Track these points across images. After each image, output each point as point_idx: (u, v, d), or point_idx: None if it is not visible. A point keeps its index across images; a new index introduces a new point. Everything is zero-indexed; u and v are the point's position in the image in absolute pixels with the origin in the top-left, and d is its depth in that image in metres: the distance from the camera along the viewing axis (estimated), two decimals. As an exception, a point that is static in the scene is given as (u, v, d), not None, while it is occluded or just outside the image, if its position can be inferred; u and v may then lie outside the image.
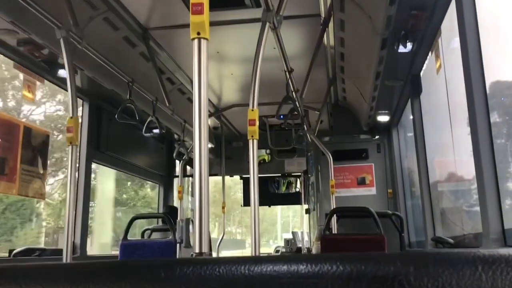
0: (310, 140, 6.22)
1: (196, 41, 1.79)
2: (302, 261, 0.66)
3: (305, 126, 5.82)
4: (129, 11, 4.38)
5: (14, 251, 4.43)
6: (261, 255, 2.04)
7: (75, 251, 4.92)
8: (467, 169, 3.43)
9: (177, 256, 4.81)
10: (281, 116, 5.29)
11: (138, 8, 4.40)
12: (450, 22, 3.51)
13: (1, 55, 4.28)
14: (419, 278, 0.63)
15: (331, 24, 4.41)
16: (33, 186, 4.36)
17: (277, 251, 10.13)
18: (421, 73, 4.80)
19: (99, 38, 4.20)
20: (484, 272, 0.63)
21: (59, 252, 3.71)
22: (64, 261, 3.16)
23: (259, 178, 2.89)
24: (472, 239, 3.58)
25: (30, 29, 3.68)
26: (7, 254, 4.49)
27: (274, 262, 0.67)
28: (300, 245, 8.57)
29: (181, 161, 6.88)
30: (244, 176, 8.82)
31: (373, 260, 0.65)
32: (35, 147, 4.46)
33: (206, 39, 1.80)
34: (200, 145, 1.76)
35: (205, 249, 1.69)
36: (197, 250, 1.69)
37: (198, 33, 1.79)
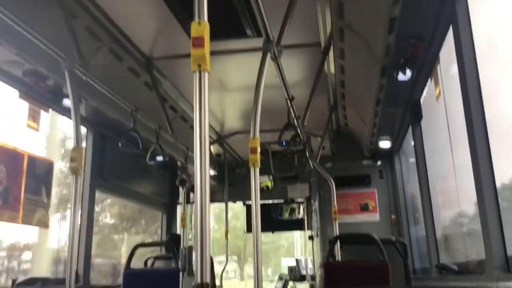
0: (312, 166, 6.23)
1: (197, 73, 1.83)
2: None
3: (307, 153, 5.84)
4: (133, 42, 4.46)
5: (18, 281, 4.42)
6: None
7: (78, 280, 4.90)
8: (469, 195, 3.43)
9: (180, 285, 4.77)
10: (283, 143, 5.31)
11: (142, 39, 4.48)
12: (448, 50, 3.56)
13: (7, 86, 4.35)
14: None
15: (331, 53, 4.47)
16: (37, 215, 4.37)
17: (280, 278, 10.02)
18: (421, 100, 4.84)
19: (103, 68, 4.27)
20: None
21: (61, 281, 3.70)
22: None
23: (262, 204, 2.91)
24: (476, 266, 3.56)
25: (35, 61, 3.74)
26: (10, 284, 4.47)
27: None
28: (304, 273, 8.49)
29: (184, 188, 6.90)
30: (247, 202, 8.81)
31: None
32: (39, 176, 4.49)
33: (207, 71, 1.84)
34: (202, 172, 1.77)
35: (206, 279, 1.67)
36: (198, 280, 1.67)
37: (199, 66, 1.83)
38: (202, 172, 1.78)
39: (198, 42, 1.80)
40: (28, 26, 3.18)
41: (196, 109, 1.83)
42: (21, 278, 4.47)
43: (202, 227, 1.72)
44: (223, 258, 9.74)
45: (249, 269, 28.05)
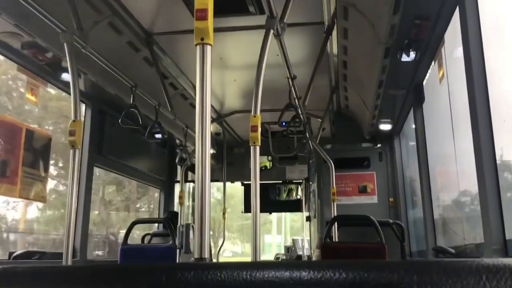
0: (311, 147, 6.21)
1: (199, 46, 1.79)
2: (304, 267, 0.66)
3: (307, 134, 5.82)
4: (133, 16, 4.40)
5: (14, 254, 4.42)
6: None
7: (75, 255, 4.91)
8: (469, 179, 3.42)
9: (177, 262, 4.79)
10: (283, 123, 5.28)
11: (142, 13, 4.41)
12: (453, 31, 3.51)
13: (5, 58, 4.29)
14: (423, 286, 0.62)
15: (334, 32, 4.42)
16: (34, 189, 4.36)
17: (277, 258, 10.08)
18: (424, 82, 4.80)
19: (103, 42, 4.21)
20: (488, 282, 0.62)
21: (59, 256, 3.70)
22: (63, 264, 3.15)
23: (260, 184, 2.89)
24: (474, 249, 3.57)
25: (34, 33, 3.69)
26: (6, 257, 4.48)
27: (276, 268, 0.66)
28: (301, 253, 8.53)
29: (183, 167, 6.88)
30: (245, 182, 8.81)
31: (376, 268, 0.65)
32: (37, 150, 4.46)
33: (210, 44, 1.80)
34: (202, 151, 1.75)
35: (205, 255, 1.68)
36: (197, 256, 1.68)
37: (202, 39, 1.79)
38: (203, 150, 1.75)
39: (201, 15, 1.76)
40: None
41: (198, 84, 1.80)
42: (17, 251, 4.48)
43: (202, 205, 1.72)
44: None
45: (238, 248, 28.19)
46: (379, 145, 7.14)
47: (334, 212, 5.86)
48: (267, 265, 0.67)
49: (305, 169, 8.29)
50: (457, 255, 3.97)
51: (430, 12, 3.66)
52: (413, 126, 5.27)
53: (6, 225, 7.79)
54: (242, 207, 9.14)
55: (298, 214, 9.73)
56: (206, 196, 1.73)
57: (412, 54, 3.93)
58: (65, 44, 3.40)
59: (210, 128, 1.81)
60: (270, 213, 10.07)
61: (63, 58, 3.92)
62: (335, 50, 4.85)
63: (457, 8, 3.24)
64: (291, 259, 8.68)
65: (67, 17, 3.52)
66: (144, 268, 0.70)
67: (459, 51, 3.26)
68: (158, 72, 5.07)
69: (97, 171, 6.39)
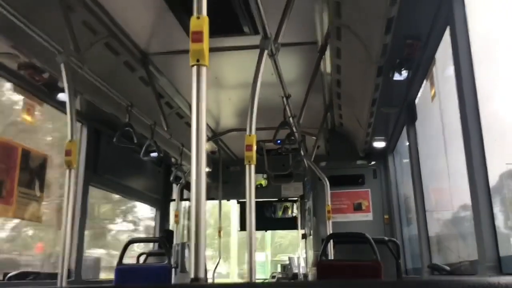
0: (306, 165, 6.24)
1: (195, 68, 1.83)
2: (300, 287, 0.68)
3: (302, 151, 5.84)
4: (129, 36, 4.45)
5: (9, 275, 4.39)
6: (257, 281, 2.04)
7: (70, 275, 4.88)
8: (463, 196, 3.45)
9: (173, 282, 4.77)
10: (278, 141, 5.31)
11: (138, 34, 4.46)
12: (444, 51, 3.58)
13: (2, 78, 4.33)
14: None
15: (327, 52, 4.48)
16: (30, 209, 4.35)
17: (273, 277, 10.03)
18: (416, 101, 4.85)
19: (99, 62, 4.25)
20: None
21: (53, 276, 3.69)
22: (58, 285, 3.13)
23: (256, 202, 2.91)
24: (468, 266, 3.58)
25: (31, 54, 3.72)
26: (1, 277, 4.45)
27: None
28: (297, 271, 8.50)
29: (178, 185, 6.88)
30: (241, 200, 8.81)
31: (372, 287, 0.67)
32: (33, 170, 4.46)
33: (206, 66, 1.83)
34: (198, 169, 1.77)
35: (201, 275, 1.69)
36: (193, 276, 1.68)
37: (198, 61, 1.82)
38: (199, 168, 1.77)
39: (197, 37, 1.80)
40: (24, 18, 3.16)
41: (193, 104, 1.82)
42: (12, 272, 4.45)
43: (197, 223, 1.73)
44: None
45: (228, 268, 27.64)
46: (373, 163, 7.18)
47: (330, 230, 5.86)
48: (264, 286, 0.69)
49: (300, 187, 8.31)
50: (452, 272, 3.98)
51: (421, 32, 3.73)
52: (407, 143, 5.31)
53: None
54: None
55: (287, 231, 9.70)
56: (201, 214, 1.75)
57: (404, 73, 3.98)
58: (61, 65, 3.44)
59: (205, 147, 1.83)
60: (266, 231, 10.05)
61: (60, 78, 3.95)
62: (328, 69, 4.90)
63: (448, 28, 3.31)
64: (287, 277, 8.65)
65: (64, 38, 3.56)
66: None
67: (450, 69, 3.32)
68: (154, 92, 5.11)
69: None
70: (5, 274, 4.42)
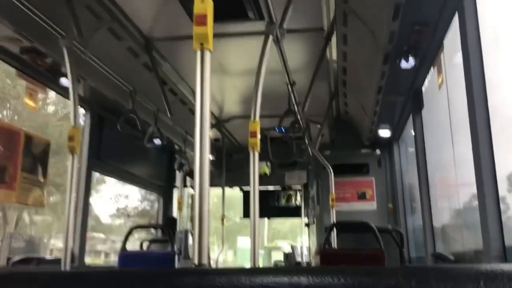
0: (311, 153, 6.21)
1: (199, 52, 1.80)
2: (303, 273, 0.65)
3: (306, 140, 5.81)
4: (133, 21, 4.40)
5: (12, 260, 4.41)
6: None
7: (73, 260, 4.89)
8: (468, 185, 3.41)
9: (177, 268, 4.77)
10: (283, 129, 5.29)
11: (142, 19, 4.42)
12: (453, 37, 3.52)
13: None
14: (422, 292, 0.62)
15: (333, 38, 4.42)
16: (33, 194, 4.35)
17: (275, 265, 10.06)
18: (423, 89, 4.80)
19: (102, 48, 4.21)
20: (486, 287, 0.62)
21: (57, 261, 3.69)
22: (62, 269, 3.14)
23: (259, 190, 2.89)
24: (473, 256, 3.56)
25: (34, 38, 3.69)
26: (5, 263, 4.46)
27: (275, 273, 0.66)
28: (300, 259, 8.52)
29: (182, 172, 6.87)
30: (244, 188, 8.80)
31: (375, 274, 0.64)
32: (36, 155, 4.45)
33: (210, 50, 1.80)
34: (201, 156, 1.75)
35: (204, 261, 1.67)
36: (196, 262, 1.67)
37: (201, 45, 1.79)
38: (202, 155, 1.75)
39: (201, 20, 1.76)
40: (27, 1, 3.12)
41: (197, 90, 1.80)
42: (16, 257, 4.46)
43: (201, 210, 1.72)
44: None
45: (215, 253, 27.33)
46: (378, 151, 7.14)
47: (333, 218, 5.85)
48: (266, 271, 0.67)
49: (304, 175, 8.29)
50: (456, 262, 3.96)
51: (429, 18, 3.67)
52: (412, 132, 5.27)
53: None
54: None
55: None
56: (204, 201, 1.73)
57: (412, 60, 3.93)
58: (64, 50, 3.40)
59: (209, 133, 1.81)
60: (269, 218, 10.06)
61: (62, 64, 3.92)
62: (334, 56, 4.85)
63: (456, 14, 3.25)
64: (290, 265, 8.66)
65: (67, 22, 3.53)
66: (143, 274, 0.70)
67: (458, 57, 3.26)
68: (158, 78, 5.08)
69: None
70: (8, 259, 4.43)
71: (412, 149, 5.70)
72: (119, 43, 4.49)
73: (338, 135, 7.29)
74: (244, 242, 23.65)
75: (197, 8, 1.79)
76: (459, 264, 3.52)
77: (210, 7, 1.80)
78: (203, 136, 1.76)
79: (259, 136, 2.90)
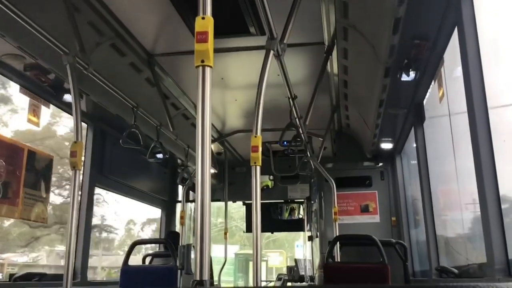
0: (313, 166, 6.20)
1: (200, 68, 1.81)
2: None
3: (308, 153, 5.82)
4: (135, 37, 4.44)
5: (14, 276, 4.40)
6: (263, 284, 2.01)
7: (76, 276, 4.88)
8: (471, 197, 3.41)
9: (178, 283, 4.75)
10: (285, 143, 5.29)
11: (144, 35, 4.46)
12: (452, 51, 3.54)
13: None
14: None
15: (334, 52, 4.45)
16: (35, 210, 4.35)
17: (279, 279, 9.98)
18: (424, 102, 4.81)
19: (105, 63, 4.24)
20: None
21: (59, 277, 3.68)
22: (64, 286, 3.12)
23: (262, 204, 2.88)
24: (477, 269, 3.54)
25: (37, 55, 3.72)
26: (7, 279, 4.45)
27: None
28: (303, 273, 8.46)
29: (184, 187, 6.87)
30: (247, 202, 8.78)
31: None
32: (39, 171, 4.46)
33: (210, 66, 1.81)
34: (203, 171, 1.76)
35: (205, 277, 1.67)
36: (197, 278, 1.67)
37: (202, 61, 1.80)
38: (204, 169, 1.76)
39: (202, 37, 1.78)
40: (30, 19, 3.15)
41: (198, 105, 1.81)
42: (18, 273, 4.45)
43: (202, 225, 1.72)
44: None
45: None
46: (380, 164, 7.14)
47: (336, 232, 5.83)
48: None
49: (306, 188, 8.27)
50: (460, 275, 3.94)
51: (429, 32, 3.69)
52: (414, 145, 5.27)
53: None
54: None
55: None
56: (206, 216, 1.73)
57: (412, 74, 3.95)
58: (67, 66, 3.43)
59: (210, 148, 1.81)
60: (272, 232, 10.02)
61: (65, 79, 3.95)
62: (335, 70, 4.87)
63: (456, 28, 3.27)
64: (293, 279, 8.60)
65: (69, 39, 3.56)
66: None
67: (459, 70, 3.28)
68: (160, 93, 5.10)
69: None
70: (11, 276, 4.42)
71: (414, 162, 5.69)
72: (122, 59, 4.52)
73: (340, 148, 7.30)
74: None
75: (198, 25, 1.81)
76: (463, 281, 3.51)
77: (211, 24, 1.82)
78: (204, 150, 1.77)
79: (260, 150, 2.90)
